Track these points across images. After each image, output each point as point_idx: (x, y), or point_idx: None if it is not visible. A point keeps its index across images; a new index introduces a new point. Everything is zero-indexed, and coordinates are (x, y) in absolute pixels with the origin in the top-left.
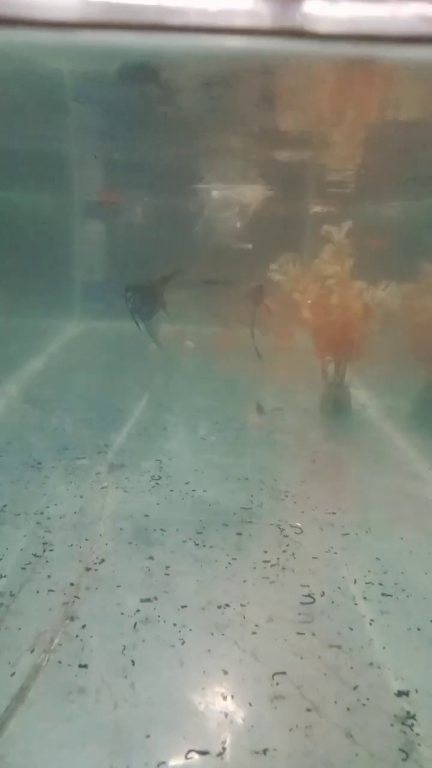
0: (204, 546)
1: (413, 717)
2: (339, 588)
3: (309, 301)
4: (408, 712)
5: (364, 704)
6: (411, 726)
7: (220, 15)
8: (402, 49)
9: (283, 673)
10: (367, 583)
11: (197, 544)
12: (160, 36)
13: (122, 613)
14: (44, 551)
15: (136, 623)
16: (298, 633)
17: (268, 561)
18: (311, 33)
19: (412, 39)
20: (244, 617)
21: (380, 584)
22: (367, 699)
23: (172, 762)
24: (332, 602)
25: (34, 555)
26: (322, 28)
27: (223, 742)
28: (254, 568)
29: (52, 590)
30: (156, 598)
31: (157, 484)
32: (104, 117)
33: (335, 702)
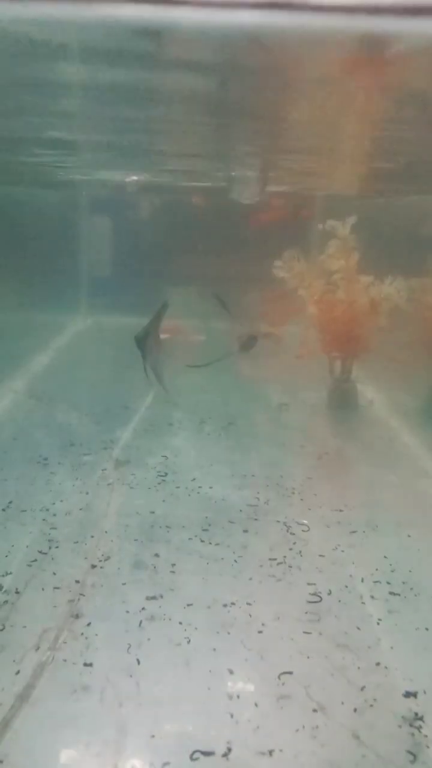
0: (210, 543)
1: (421, 718)
2: (346, 586)
3: (315, 297)
4: (416, 714)
5: (371, 705)
6: (419, 728)
7: None
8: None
9: (290, 672)
10: (374, 582)
11: (203, 542)
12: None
13: (127, 611)
14: (50, 548)
15: (141, 621)
16: (305, 632)
17: (275, 559)
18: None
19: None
20: (250, 616)
21: (388, 583)
22: (375, 700)
23: (177, 762)
24: (339, 601)
25: (40, 552)
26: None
27: (229, 743)
28: (260, 565)
29: (58, 587)
30: (161, 596)
31: (163, 480)
32: (112, 105)
33: (342, 703)
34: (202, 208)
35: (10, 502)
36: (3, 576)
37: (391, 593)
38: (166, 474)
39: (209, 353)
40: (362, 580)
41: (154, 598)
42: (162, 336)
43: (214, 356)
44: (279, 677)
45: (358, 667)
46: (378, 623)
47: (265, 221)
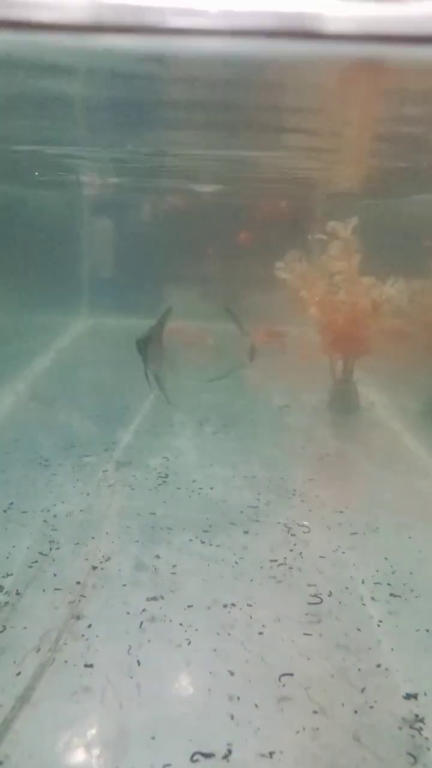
0: (211, 545)
1: (422, 720)
2: (347, 588)
3: (316, 299)
4: (416, 716)
5: (371, 707)
6: (419, 729)
7: (223, 16)
8: (412, 49)
9: (290, 674)
10: (375, 584)
11: (204, 543)
12: (166, 39)
13: (128, 613)
14: (51, 549)
15: (141, 622)
16: (305, 633)
17: (275, 560)
18: (317, 33)
19: (421, 39)
20: (251, 617)
21: (389, 584)
22: (375, 701)
23: (177, 764)
24: (340, 602)
25: (41, 553)
26: (329, 27)
27: (229, 745)
28: (261, 567)
29: (58, 589)
30: (162, 597)
31: (164, 482)
32: (112, 113)
33: (343, 704)
34: (204, 208)
35: (11, 504)
36: (4, 577)
37: (391, 595)
38: (167, 475)
39: (218, 358)
40: (363, 582)
41: (154, 599)
42: (169, 338)
43: (226, 368)
44: (279, 679)
45: (359, 669)
46: (378, 625)
47: (266, 218)
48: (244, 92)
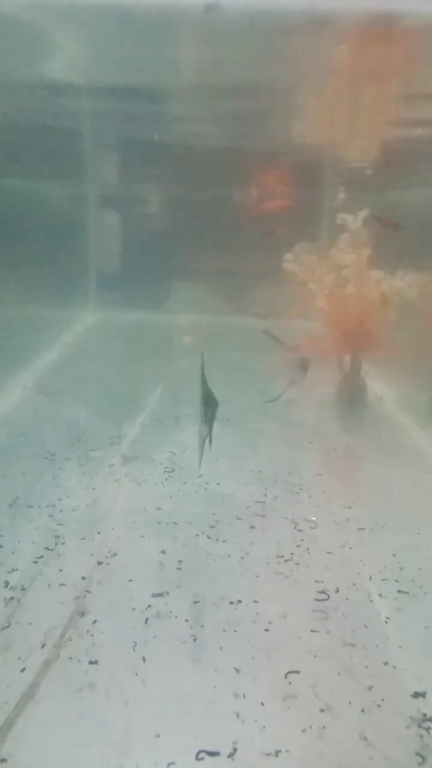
0: (217, 540)
1: (430, 719)
2: (354, 584)
3: (325, 292)
4: (425, 714)
5: (379, 705)
6: (428, 729)
7: None
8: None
9: (297, 671)
10: (382, 580)
11: (210, 538)
12: None
13: (133, 609)
14: (56, 544)
15: (147, 619)
16: (312, 630)
17: (282, 556)
18: None
19: None
20: (257, 614)
21: (396, 581)
22: (383, 700)
23: (182, 762)
24: (347, 599)
25: (46, 548)
26: None
27: (234, 743)
28: (267, 563)
29: (64, 584)
30: (168, 593)
31: (170, 476)
32: (119, 103)
33: (349, 703)
34: (211, 201)
35: (17, 498)
36: (9, 572)
37: (399, 591)
38: (173, 470)
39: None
40: (370, 578)
41: (160, 595)
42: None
43: (280, 387)
44: (286, 676)
45: (366, 667)
46: (386, 622)
47: (272, 208)
48: None
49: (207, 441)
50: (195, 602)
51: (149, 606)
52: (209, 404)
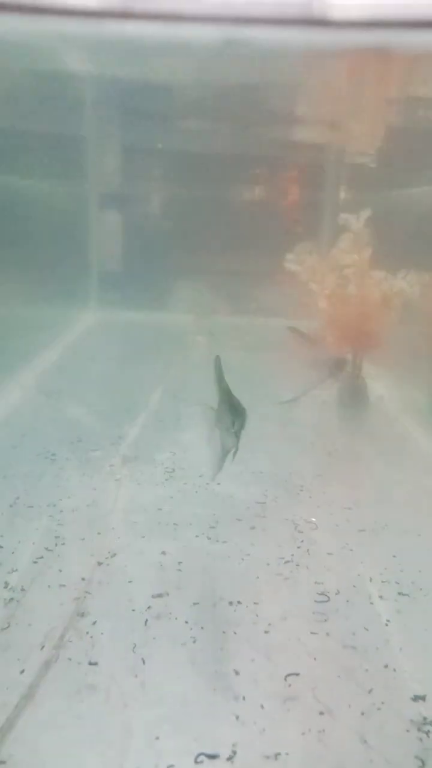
0: (217, 541)
1: (430, 723)
2: (354, 586)
3: (326, 292)
4: (425, 718)
5: (379, 708)
6: (428, 732)
7: (239, 5)
8: (420, 34)
9: (296, 674)
10: (383, 582)
11: (210, 539)
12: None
13: (133, 610)
14: (56, 545)
15: (147, 620)
16: (312, 632)
17: (282, 557)
18: (326, 21)
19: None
20: (257, 615)
21: (397, 583)
22: (383, 703)
23: (181, 765)
24: (347, 601)
25: (46, 549)
26: (337, 15)
27: (234, 746)
28: (268, 564)
29: (64, 585)
30: (168, 594)
31: (170, 476)
32: (122, 106)
33: (349, 705)
34: (213, 201)
35: (17, 498)
36: (9, 573)
37: (400, 593)
38: (174, 470)
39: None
40: (371, 580)
41: (160, 596)
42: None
43: (303, 386)
44: (285, 678)
45: (366, 669)
46: (386, 624)
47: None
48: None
49: (232, 453)
50: (195, 603)
51: (149, 607)
52: (237, 413)
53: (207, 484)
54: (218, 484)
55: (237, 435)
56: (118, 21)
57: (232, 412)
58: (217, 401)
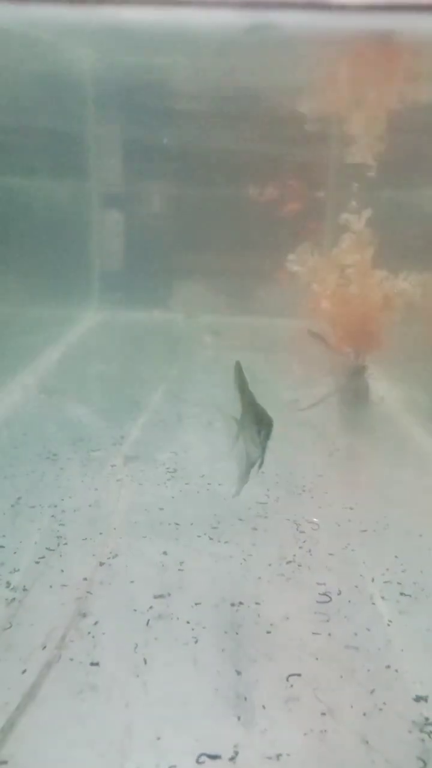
0: (219, 541)
1: None
2: (356, 586)
3: (328, 292)
4: (427, 719)
5: (381, 709)
6: (430, 733)
7: None
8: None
9: (298, 674)
10: (385, 582)
11: (212, 539)
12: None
13: (135, 610)
14: (58, 545)
15: (148, 620)
16: (314, 633)
17: (284, 557)
18: (328, 4)
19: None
20: (259, 616)
21: (399, 583)
22: (384, 703)
23: (183, 766)
24: (349, 601)
25: (48, 549)
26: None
27: (236, 746)
28: (269, 564)
29: (65, 585)
30: (169, 594)
31: (172, 477)
32: (125, 102)
33: (351, 706)
34: (215, 200)
35: (19, 498)
36: (11, 573)
37: (402, 594)
38: (176, 470)
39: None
40: (373, 580)
41: (161, 596)
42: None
43: (322, 392)
44: (287, 679)
45: (368, 670)
46: (388, 624)
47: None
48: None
49: (257, 465)
50: (196, 604)
51: (151, 607)
52: (263, 423)
53: (208, 484)
54: (220, 484)
55: (263, 446)
56: (116, 6)
57: (257, 422)
58: (239, 409)
